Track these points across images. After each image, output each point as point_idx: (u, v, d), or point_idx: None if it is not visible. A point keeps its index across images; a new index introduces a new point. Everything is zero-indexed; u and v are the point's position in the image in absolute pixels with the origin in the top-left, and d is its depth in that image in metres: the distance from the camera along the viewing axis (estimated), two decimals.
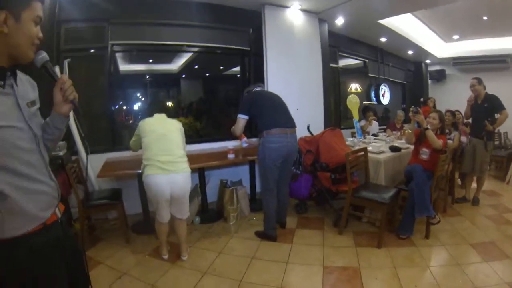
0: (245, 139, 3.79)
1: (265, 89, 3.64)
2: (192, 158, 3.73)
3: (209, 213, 4.12)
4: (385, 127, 6.60)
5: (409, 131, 3.88)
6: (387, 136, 5.43)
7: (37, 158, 1.20)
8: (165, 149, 2.83)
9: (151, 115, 3.06)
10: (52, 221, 1.23)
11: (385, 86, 8.23)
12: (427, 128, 3.46)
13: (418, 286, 2.59)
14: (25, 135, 1.14)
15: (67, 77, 1.28)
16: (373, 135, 5.70)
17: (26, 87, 1.24)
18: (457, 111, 5.39)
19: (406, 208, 3.41)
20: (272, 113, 3.29)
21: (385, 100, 8.25)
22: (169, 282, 2.72)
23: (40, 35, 1.18)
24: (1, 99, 1.08)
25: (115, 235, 3.60)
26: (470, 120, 4.74)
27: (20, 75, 1.21)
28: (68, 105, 1.29)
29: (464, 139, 4.81)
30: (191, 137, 5.00)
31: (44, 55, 1.23)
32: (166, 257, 3.09)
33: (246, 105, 3.36)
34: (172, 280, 2.75)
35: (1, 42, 1.07)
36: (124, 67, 5.09)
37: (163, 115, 3.07)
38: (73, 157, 3.79)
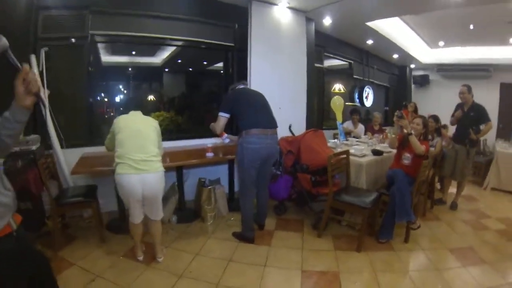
0: (226, 135, 3.69)
1: (248, 86, 3.54)
2: (170, 155, 3.65)
3: (186, 212, 4.02)
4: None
5: (393, 135, 3.87)
6: (369, 139, 5.42)
7: None
8: (139, 146, 2.70)
9: (126, 112, 2.94)
10: (5, 233, 1.13)
11: (369, 88, 8.25)
12: (410, 133, 3.46)
13: None
14: None
15: (30, 68, 1.17)
16: (354, 137, 5.68)
17: None
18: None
19: (387, 213, 3.41)
20: (253, 113, 3.21)
21: (368, 102, 8.26)
22: (144, 285, 2.63)
23: None
24: None
25: (90, 234, 3.47)
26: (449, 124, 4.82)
27: None
28: (31, 97, 1.19)
29: (443, 142, 4.85)
30: (171, 133, 4.91)
31: (3, 41, 1.11)
32: (141, 258, 2.99)
33: (227, 103, 3.28)
34: (146, 283, 2.66)
35: None
36: (106, 58, 4.96)
37: (138, 113, 2.94)
38: (47, 152, 3.62)
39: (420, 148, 3.41)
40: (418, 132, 3.61)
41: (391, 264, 3.00)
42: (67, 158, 3.72)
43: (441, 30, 7.02)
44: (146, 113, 3.03)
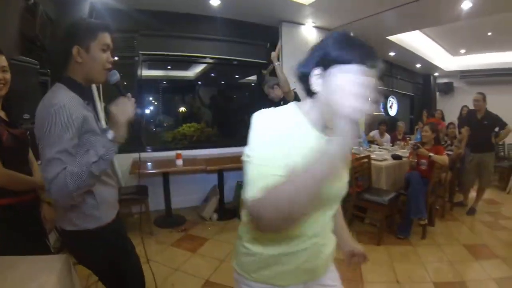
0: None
1: None
2: (212, 160, 4.16)
3: (226, 211, 4.43)
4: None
5: (413, 161, 4.09)
6: (391, 146, 5.70)
7: None
8: None
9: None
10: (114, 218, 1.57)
11: (392, 98, 8.48)
12: (430, 156, 3.79)
13: (411, 277, 2.90)
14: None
15: (130, 96, 1.46)
16: (377, 145, 5.84)
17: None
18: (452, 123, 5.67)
19: (405, 211, 3.77)
20: None
21: (393, 112, 8.51)
22: (192, 267, 3.07)
23: (111, 59, 1.39)
24: (89, 114, 1.34)
25: (139, 228, 3.90)
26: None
27: None
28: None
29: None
30: (201, 143, 5.37)
31: (117, 76, 1.46)
32: None
33: None
34: (194, 265, 3.11)
35: (78, 69, 1.34)
36: (144, 72, 5.31)
37: None
38: None
39: (444, 160, 3.77)
40: (429, 138, 3.94)
41: (407, 256, 3.30)
42: (119, 162, 4.23)
43: (460, 38, 7.09)
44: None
